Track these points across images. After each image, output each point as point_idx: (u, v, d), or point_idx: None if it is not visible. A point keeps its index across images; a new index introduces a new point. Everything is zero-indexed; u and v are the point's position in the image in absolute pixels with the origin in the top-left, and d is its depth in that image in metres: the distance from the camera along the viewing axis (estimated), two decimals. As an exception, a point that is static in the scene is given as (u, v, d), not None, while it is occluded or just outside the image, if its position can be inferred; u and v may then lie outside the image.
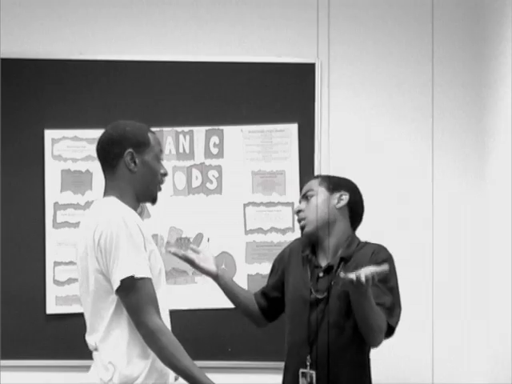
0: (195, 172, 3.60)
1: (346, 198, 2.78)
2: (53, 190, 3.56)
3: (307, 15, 3.56)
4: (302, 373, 2.70)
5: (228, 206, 3.56)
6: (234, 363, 3.49)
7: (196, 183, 3.60)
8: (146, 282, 2.36)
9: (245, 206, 3.57)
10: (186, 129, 3.60)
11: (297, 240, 2.94)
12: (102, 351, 2.39)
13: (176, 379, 2.48)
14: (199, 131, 3.60)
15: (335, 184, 2.81)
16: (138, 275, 2.34)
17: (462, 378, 3.50)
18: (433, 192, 3.48)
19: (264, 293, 2.93)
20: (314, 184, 2.82)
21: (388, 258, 2.69)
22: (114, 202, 2.47)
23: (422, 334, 3.50)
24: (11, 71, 3.58)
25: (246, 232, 3.56)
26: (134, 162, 2.49)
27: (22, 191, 3.56)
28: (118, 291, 2.34)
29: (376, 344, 2.66)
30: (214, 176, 3.60)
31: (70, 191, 3.57)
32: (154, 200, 2.58)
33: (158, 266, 2.47)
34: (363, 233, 3.51)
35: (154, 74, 3.61)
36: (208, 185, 3.59)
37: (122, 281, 2.32)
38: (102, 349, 2.39)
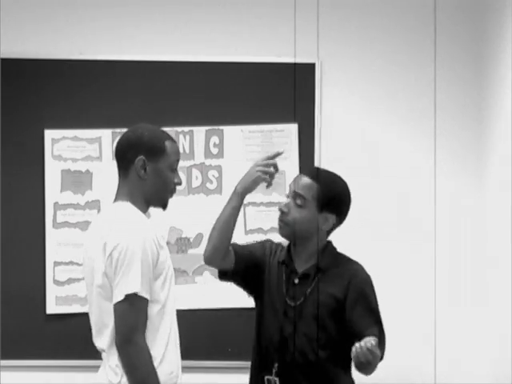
0: (195, 172, 3.60)
1: (331, 221, 2.67)
2: (53, 190, 3.56)
3: (307, 15, 3.56)
4: (267, 379, 2.63)
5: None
6: (234, 363, 3.49)
7: (196, 183, 3.60)
8: (145, 302, 2.36)
9: (245, 206, 3.57)
10: (186, 129, 3.60)
11: (275, 241, 2.83)
12: (110, 355, 2.39)
13: None
14: (199, 131, 3.60)
15: (327, 203, 2.65)
16: (141, 294, 2.34)
17: (462, 379, 3.50)
18: (435, 193, 3.48)
19: (238, 248, 2.76)
20: (309, 191, 2.65)
21: (366, 282, 2.63)
22: (128, 208, 2.46)
23: (422, 334, 3.50)
24: (11, 71, 3.58)
25: (246, 232, 3.56)
26: (145, 169, 2.47)
27: (22, 191, 3.56)
28: (118, 304, 2.34)
29: (368, 375, 2.54)
30: (213, 176, 3.60)
31: (70, 191, 3.57)
32: (164, 206, 2.56)
33: (171, 269, 2.50)
34: (364, 233, 3.52)
35: (154, 74, 3.61)
36: (208, 185, 3.59)
37: (127, 295, 2.32)
38: (109, 353, 2.39)
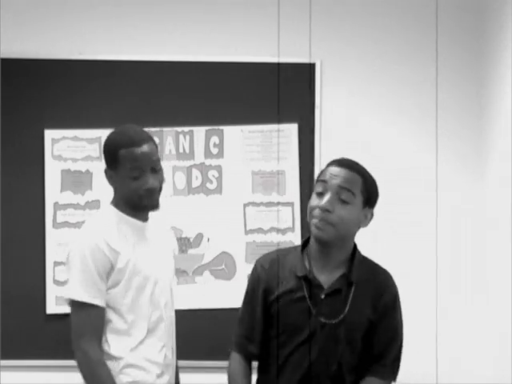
0: (195, 172, 3.60)
1: (369, 217, 2.41)
2: (53, 190, 3.56)
3: (307, 15, 3.56)
4: None
5: (228, 206, 3.56)
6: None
7: (196, 183, 3.60)
8: (92, 309, 2.41)
9: (245, 205, 3.57)
10: (186, 129, 3.60)
11: (267, 256, 2.48)
12: None
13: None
14: (199, 131, 3.60)
15: (371, 196, 2.40)
16: (83, 300, 2.40)
17: (462, 378, 3.50)
18: (437, 192, 3.49)
19: (252, 340, 2.43)
20: (355, 184, 2.34)
21: (396, 298, 2.42)
22: (103, 213, 2.56)
23: (424, 334, 3.50)
24: (11, 71, 3.58)
25: (246, 232, 3.56)
26: (111, 178, 2.50)
27: (22, 191, 3.56)
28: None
29: None
30: (213, 176, 3.60)
31: (70, 191, 3.57)
32: (146, 209, 2.54)
33: (140, 276, 2.48)
34: (365, 232, 3.51)
35: (154, 74, 3.60)
36: (208, 185, 3.59)
37: (69, 301, 2.43)
38: None
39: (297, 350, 2.32)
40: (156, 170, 2.49)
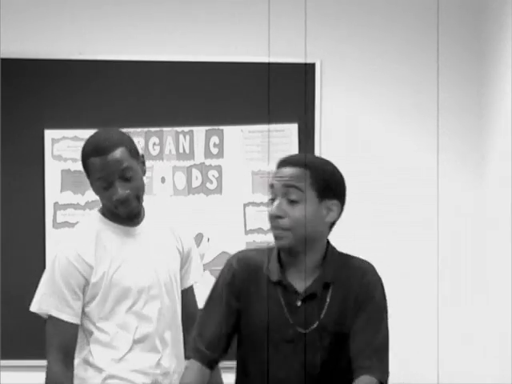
0: (195, 172, 3.60)
1: (336, 209, 2.16)
2: (53, 190, 3.56)
3: (308, 15, 3.56)
4: None
5: (228, 206, 3.56)
6: (234, 363, 3.48)
7: (196, 183, 3.60)
8: (57, 323, 2.40)
9: (245, 205, 3.57)
10: (186, 129, 3.60)
11: (239, 259, 2.26)
12: None
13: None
14: (199, 131, 3.60)
15: (326, 187, 2.15)
16: (45, 313, 2.40)
17: (462, 378, 3.50)
18: (438, 192, 3.49)
19: (212, 344, 2.19)
20: (302, 179, 2.14)
21: (380, 287, 2.19)
22: (87, 221, 2.53)
23: (424, 334, 3.50)
24: (11, 71, 3.58)
25: (246, 232, 3.56)
26: (91, 186, 2.45)
27: (22, 191, 3.56)
28: None
29: None
30: (213, 176, 3.60)
31: (70, 191, 3.57)
32: (125, 217, 2.44)
33: (117, 290, 2.42)
34: (365, 231, 3.52)
35: (154, 74, 3.60)
36: (208, 185, 3.59)
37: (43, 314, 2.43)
38: None
39: (273, 361, 2.13)
40: (126, 178, 2.37)
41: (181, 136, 3.60)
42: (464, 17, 3.62)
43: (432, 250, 3.54)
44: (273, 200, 2.16)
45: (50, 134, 3.58)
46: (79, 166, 3.55)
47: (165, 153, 3.57)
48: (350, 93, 3.62)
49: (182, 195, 3.58)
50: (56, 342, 2.42)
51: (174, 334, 2.50)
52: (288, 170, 2.15)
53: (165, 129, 3.59)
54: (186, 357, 2.22)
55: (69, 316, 2.40)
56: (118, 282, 2.41)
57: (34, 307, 2.43)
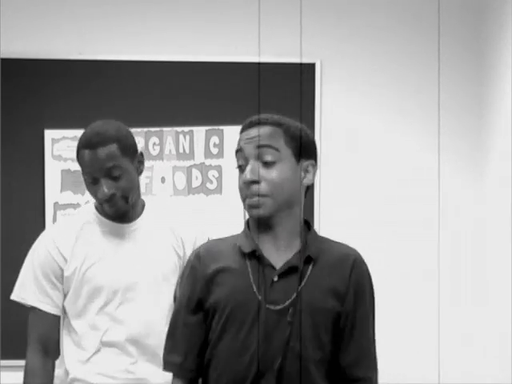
0: (195, 172, 3.60)
1: (313, 170, 1.95)
2: (53, 190, 3.56)
3: (307, 15, 3.56)
4: None
5: (228, 206, 3.56)
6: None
7: (196, 183, 3.60)
8: (37, 313, 2.34)
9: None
10: (186, 129, 3.60)
11: (203, 247, 2.04)
12: None
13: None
14: (199, 131, 3.60)
15: (301, 145, 1.94)
16: (22, 301, 2.37)
17: (462, 378, 3.50)
18: (439, 192, 3.49)
19: (193, 359, 1.95)
20: (276, 138, 1.91)
21: (370, 279, 1.97)
22: (78, 213, 2.49)
23: (424, 334, 3.50)
24: (11, 71, 3.58)
25: (246, 232, 3.56)
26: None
27: (22, 191, 3.56)
28: None
29: None
30: (213, 176, 3.60)
31: (70, 191, 3.57)
32: (112, 218, 2.35)
33: (89, 286, 2.32)
34: (366, 231, 3.52)
35: (154, 74, 3.60)
36: (208, 185, 3.59)
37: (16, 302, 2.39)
38: None
39: (239, 341, 1.87)
40: (113, 176, 2.26)
41: (181, 136, 3.60)
42: (464, 16, 3.62)
43: (432, 250, 3.54)
44: (241, 167, 1.93)
45: (49, 134, 3.58)
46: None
47: (165, 153, 3.57)
48: (350, 93, 3.62)
49: (182, 195, 3.58)
50: (35, 333, 2.35)
51: (160, 342, 2.07)
52: (257, 130, 1.94)
53: (165, 129, 3.59)
54: (166, 369, 2.00)
55: (47, 306, 2.34)
56: (89, 280, 2.31)
57: (14, 295, 2.39)
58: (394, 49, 3.63)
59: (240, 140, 1.98)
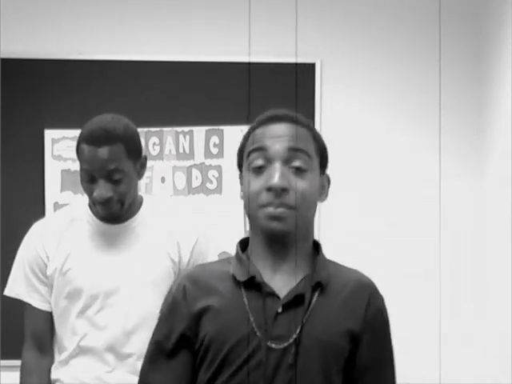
0: (195, 172, 3.60)
1: (328, 187, 1.71)
2: (53, 190, 3.56)
3: (308, 15, 3.56)
4: None
5: (228, 206, 3.56)
6: None
7: (196, 183, 3.60)
8: (28, 309, 2.30)
9: (245, 205, 3.57)
10: (186, 129, 3.60)
11: (187, 275, 1.69)
12: None
13: None
14: (199, 131, 3.60)
15: (326, 155, 1.69)
16: (13, 295, 2.32)
17: (462, 379, 3.50)
18: (440, 192, 3.49)
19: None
20: (309, 144, 1.62)
21: (387, 315, 1.69)
22: (69, 208, 2.38)
23: (425, 334, 3.50)
24: (11, 71, 3.58)
25: (246, 232, 3.56)
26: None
27: (22, 191, 3.56)
28: None
29: None
30: (213, 176, 3.60)
31: (70, 191, 3.56)
32: (105, 219, 2.23)
33: (70, 286, 2.23)
34: (366, 231, 3.52)
35: (154, 74, 3.60)
36: (208, 185, 3.59)
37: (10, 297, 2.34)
38: None
39: None
40: (113, 179, 2.12)
41: (181, 136, 3.60)
42: (465, 16, 3.62)
43: (432, 250, 3.54)
44: (261, 170, 1.59)
45: (50, 134, 3.58)
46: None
47: (165, 153, 3.57)
48: (351, 92, 3.62)
49: (182, 195, 3.58)
50: (28, 329, 2.32)
51: (141, 353, 1.86)
52: (288, 129, 1.60)
53: (165, 129, 3.59)
54: None
55: (37, 302, 2.28)
56: (70, 281, 2.21)
57: (7, 291, 2.34)
58: (394, 49, 3.63)
59: (260, 136, 1.61)
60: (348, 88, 3.62)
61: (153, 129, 3.57)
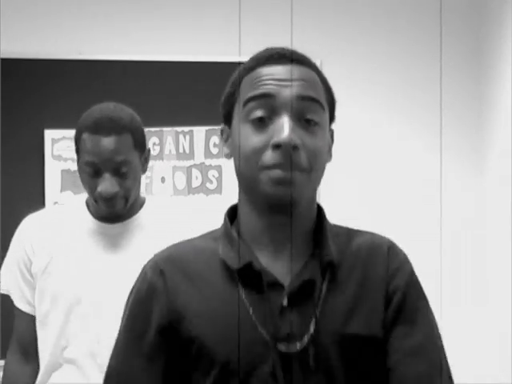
0: (195, 172, 3.60)
1: (332, 142, 1.41)
2: (53, 190, 3.56)
3: (308, 15, 3.56)
4: None
5: (228, 206, 3.55)
6: None
7: (196, 183, 3.60)
8: (16, 311, 2.13)
9: (245, 205, 3.57)
10: (186, 129, 3.60)
11: (165, 256, 1.39)
12: None
13: None
14: (199, 131, 3.60)
15: (334, 104, 1.38)
16: (4, 291, 2.14)
17: (462, 378, 3.50)
18: (441, 192, 3.49)
19: None
20: (320, 91, 1.32)
21: (412, 270, 1.50)
22: (66, 205, 2.24)
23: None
24: (11, 71, 3.58)
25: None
26: (76, 164, 2.02)
27: (22, 191, 3.56)
28: None
29: None
30: (213, 176, 3.60)
31: (70, 191, 3.56)
32: (103, 218, 2.03)
33: (53, 288, 2.03)
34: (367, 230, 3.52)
35: (155, 74, 3.60)
36: (208, 185, 3.59)
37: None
38: None
39: None
40: (120, 172, 1.94)
41: (181, 136, 3.60)
42: (465, 16, 3.62)
43: (432, 250, 3.54)
44: (263, 119, 1.27)
45: (49, 134, 3.58)
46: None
47: (165, 153, 3.57)
48: (351, 92, 3.62)
49: (182, 195, 3.58)
50: (14, 331, 2.15)
51: None
52: (297, 71, 1.29)
53: (165, 129, 3.59)
54: None
55: (21, 303, 2.12)
56: (50, 285, 2.03)
57: (9, 293, 2.19)
58: (394, 49, 3.63)
59: (259, 79, 1.29)
60: (348, 88, 3.62)
61: (153, 129, 3.57)
